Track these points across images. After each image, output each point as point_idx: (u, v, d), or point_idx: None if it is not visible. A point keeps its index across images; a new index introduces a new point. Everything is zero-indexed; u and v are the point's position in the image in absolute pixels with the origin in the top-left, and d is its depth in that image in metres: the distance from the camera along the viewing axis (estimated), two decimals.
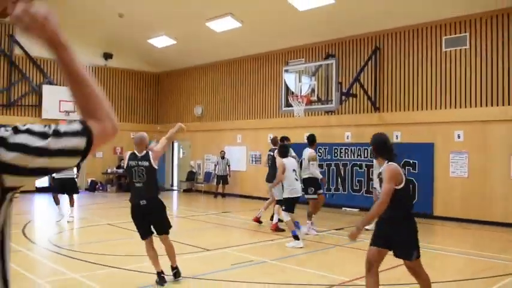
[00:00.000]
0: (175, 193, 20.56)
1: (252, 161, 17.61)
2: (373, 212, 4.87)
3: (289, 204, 9.20)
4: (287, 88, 14.18)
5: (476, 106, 12.32)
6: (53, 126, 1.22)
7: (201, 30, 16.38)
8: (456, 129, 12.52)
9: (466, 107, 12.48)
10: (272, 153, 11.23)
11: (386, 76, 14.06)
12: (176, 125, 6.87)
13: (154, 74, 22.32)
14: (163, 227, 6.53)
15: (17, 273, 6.78)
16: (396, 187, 4.79)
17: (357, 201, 14.27)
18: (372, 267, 5.24)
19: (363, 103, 14.41)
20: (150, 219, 6.44)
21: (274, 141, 11.72)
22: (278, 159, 9.72)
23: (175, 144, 21.99)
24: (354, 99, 14.33)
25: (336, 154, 14.72)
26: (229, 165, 17.89)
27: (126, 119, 21.23)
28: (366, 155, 14.08)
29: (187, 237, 9.90)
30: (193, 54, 19.17)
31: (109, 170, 20.06)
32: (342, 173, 14.66)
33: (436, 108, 13.01)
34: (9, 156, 1.14)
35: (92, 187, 19.67)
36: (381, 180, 5.04)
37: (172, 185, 22.29)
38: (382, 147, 5.11)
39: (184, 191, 20.36)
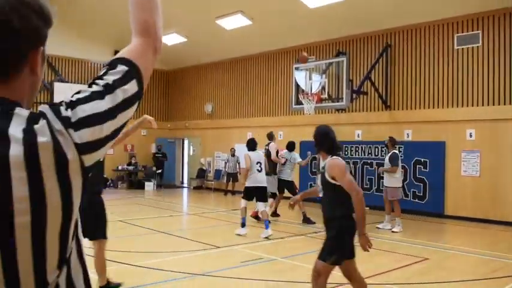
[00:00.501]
0: (185, 190, 20.61)
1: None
2: (360, 212, 4.53)
3: (247, 193, 9.93)
4: (297, 86, 14.14)
5: (488, 104, 12.22)
6: (100, 82, 1.11)
7: (211, 27, 16.39)
8: (468, 128, 12.42)
9: (478, 105, 12.38)
10: (267, 147, 12.14)
11: (398, 74, 13.98)
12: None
13: (165, 71, 22.38)
14: (96, 231, 5.57)
15: None
16: (339, 182, 4.44)
17: (367, 199, 14.01)
18: (319, 276, 4.70)
19: (374, 101, 14.34)
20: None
21: (270, 135, 12.55)
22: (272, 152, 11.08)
23: (186, 142, 22.04)
24: (365, 97, 14.27)
25: (346, 152, 14.67)
26: (239, 163, 17.89)
27: (137, 116, 21.19)
28: (376, 153, 14.02)
29: (198, 234, 9.93)
30: (203, 52, 19.19)
31: (120, 167, 20.15)
32: (352, 171, 14.60)
33: (447, 107, 12.92)
34: (82, 135, 1.03)
35: (104, 184, 19.73)
36: (323, 176, 4.63)
37: (182, 182, 22.36)
38: (323, 139, 4.73)
39: (195, 188, 20.41)
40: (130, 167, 20.31)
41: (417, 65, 13.58)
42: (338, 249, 4.64)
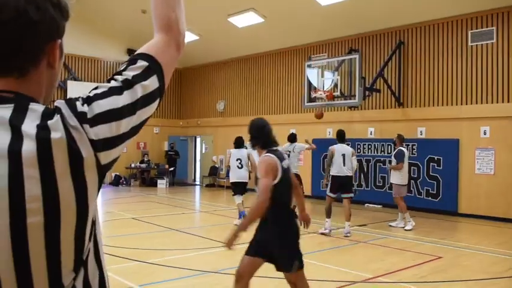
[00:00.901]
0: (197, 188, 20.67)
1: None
2: (251, 215, 4.12)
3: (235, 188, 10.72)
4: (310, 83, 14.11)
5: (503, 101, 12.09)
6: (119, 78, 1.08)
7: (223, 25, 16.40)
8: (482, 125, 12.31)
9: (492, 102, 12.26)
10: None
11: (411, 71, 13.88)
12: None
13: (177, 69, 22.42)
14: None
15: None
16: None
17: (380, 197, 14.16)
18: (242, 279, 4.41)
19: (387, 98, 14.26)
20: None
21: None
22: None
23: (198, 140, 22.09)
24: (378, 94, 14.19)
25: (358, 150, 14.61)
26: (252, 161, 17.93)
27: (156, 115, 21.31)
28: (389, 151, 13.94)
29: (209, 232, 9.95)
30: (215, 50, 19.20)
31: (132, 165, 20.25)
32: (365, 169, 14.55)
33: (461, 104, 12.81)
34: (98, 131, 1.00)
35: (116, 181, 19.88)
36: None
37: (194, 180, 22.42)
38: (259, 133, 4.41)
39: (207, 186, 20.45)
40: (143, 165, 20.40)
41: (431, 62, 13.47)
42: (294, 253, 4.35)
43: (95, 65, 19.96)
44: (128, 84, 1.07)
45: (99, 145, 1.01)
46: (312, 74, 14.10)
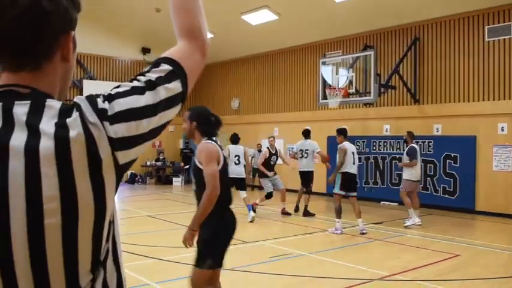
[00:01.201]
0: None
1: (289, 154, 17.52)
2: (204, 208, 3.85)
3: (233, 184, 10.60)
4: (324, 80, 14.06)
5: None
6: (142, 78, 1.07)
7: (237, 23, 16.40)
8: (500, 122, 12.15)
9: (510, 98, 12.10)
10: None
11: (427, 67, 13.76)
12: None
13: None
14: None
15: None
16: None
17: (395, 195, 14.00)
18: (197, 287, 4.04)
19: (402, 95, 14.15)
20: None
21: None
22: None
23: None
24: (393, 91, 14.09)
25: (374, 147, 14.53)
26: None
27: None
28: (405, 148, 13.84)
29: None
30: (229, 48, 19.21)
31: (148, 163, 20.37)
32: (381, 166, 14.46)
33: (478, 100, 12.66)
34: (118, 129, 0.99)
35: (132, 179, 20.02)
36: (193, 162, 4.11)
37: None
38: (203, 118, 4.22)
39: None
40: (159, 163, 20.50)
41: (447, 58, 13.34)
42: (213, 251, 4.02)
43: (110, 64, 20.08)
44: (151, 85, 1.06)
45: (118, 144, 0.99)
46: (327, 71, 14.05)
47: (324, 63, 14.15)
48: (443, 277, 6.39)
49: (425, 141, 13.22)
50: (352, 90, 13.69)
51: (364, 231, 9.40)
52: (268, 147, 12.24)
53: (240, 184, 11.15)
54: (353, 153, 9.76)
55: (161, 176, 20.69)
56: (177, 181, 19.95)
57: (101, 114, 0.98)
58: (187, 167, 20.69)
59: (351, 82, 13.74)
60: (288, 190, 15.43)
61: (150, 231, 9.70)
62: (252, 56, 19.46)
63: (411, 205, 10.39)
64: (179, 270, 6.67)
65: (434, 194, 13.09)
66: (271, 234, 9.31)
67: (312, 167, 11.96)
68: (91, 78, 19.17)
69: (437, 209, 12.67)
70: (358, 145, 14.61)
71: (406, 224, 10.23)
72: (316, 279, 6.28)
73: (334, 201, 9.82)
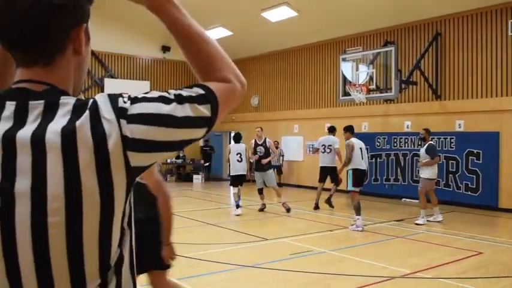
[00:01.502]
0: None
1: (309, 151, 17.52)
2: (168, 219, 3.81)
3: (233, 181, 11.75)
4: (344, 77, 13.99)
5: None
6: (172, 92, 1.06)
7: (256, 20, 16.39)
8: None
9: None
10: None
11: (448, 63, 13.59)
12: None
13: None
14: None
15: None
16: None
17: (416, 191, 13.91)
18: None
19: (424, 91, 14.00)
20: None
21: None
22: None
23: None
24: (414, 87, 13.95)
25: (395, 144, 14.42)
26: (282, 156, 18.04)
27: None
28: (422, 146, 13.72)
29: (246, 226, 10.00)
30: (249, 45, 19.22)
31: (168, 161, 20.51)
32: (402, 163, 14.34)
33: (501, 96, 12.47)
34: (135, 129, 0.96)
35: None
36: None
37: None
38: None
39: None
40: (179, 160, 20.63)
41: (469, 53, 13.16)
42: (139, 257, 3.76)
43: (131, 62, 20.24)
44: (179, 100, 1.04)
45: (132, 144, 0.97)
46: (347, 68, 13.97)
47: (344, 59, 14.07)
48: (466, 275, 6.33)
49: (447, 138, 13.07)
50: (373, 87, 13.59)
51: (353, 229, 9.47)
52: (255, 139, 12.42)
53: (239, 180, 11.69)
54: (361, 148, 9.89)
55: (181, 174, 20.83)
56: (197, 178, 20.05)
57: (120, 112, 0.97)
58: (207, 164, 20.80)
59: (371, 78, 13.64)
60: (308, 187, 15.41)
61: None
62: (272, 53, 19.44)
63: (426, 206, 10.27)
64: (201, 267, 6.72)
65: (456, 191, 12.94)
66: (291, 231, 9.30)
67: (334, 162, 11.99)
68: (112, 77, 19.36)
69: (460, 206, 12.53)
70: (378, 142, 14.53)
71: (418, 222, 10.14)
72: (337, 276, 6.27)
73: (351, 199, 9.82)
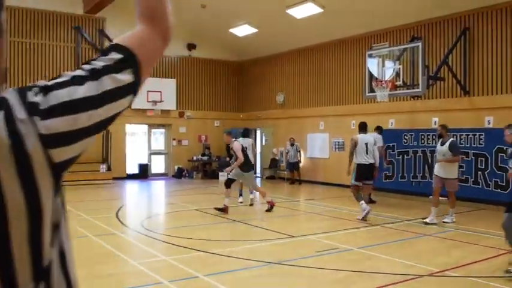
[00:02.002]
0: (258, 180, 20.81)
1: (335, 148, 17.43)
2: None
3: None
4: (370, 73, 13.86)
5: None
6: (86, 67, 0.95)
7: (281, 17, 16.37)
8: None
9: None
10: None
11: (477, 58, 13.35)
12: None
13: (237, 62, 22.61)
14: None
15: (113, 254, 7.19)
16: None
17: (444, 189, 13.73)
18: None
19: (452, 87, 13.79)
20: None
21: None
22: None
23: (258, 132, 22.19)
24: (442, 82, 13.75)
25: (422, 141, 14.23)
26: (299, 152, 18.12)
27: (211, 108, 21.77)
28: (437, 142, 13.51)
29: (273, 223, 10.02)
30: (274, 42, 19.21)
31: (195, 158, 20.67)
32: (429, 160, 14.14)
33: None
34: (50, 124, 0.88)
35: (179, 174, 20.37)
36: None
37: (255, 172, 22.51)
38: None
39: (267, 178, 20.55)
40: (205, 158, 20.76)
41: (498, 48, 12.90)
42: None
43: (157, 60, 20.38)
44: (94, 75, 0.94)
45: (51, 141, 0.89)
46: (373, 64, 13.84)
47: (370, 55, 13.94)
48: (496, 273, 6.23)
49: (475, 134, 12.84)
50: (400, 83, 13.44)
51: (362, 218, 9.91)
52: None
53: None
54: (366, 144, 10.48)
55: (207, 171, 20.95)
56: (223, 175, 20.12)
57: (31, 108, 0.88)
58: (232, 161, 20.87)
59: (397, 74, 13.49)
60: (333, 185, 15.35)
61: (198, 225, 9.85)
62: (297, 50, 19.38)
63: (438, 204, 10.06)
64: (227, 263, 6.77)
65: (485, 188, 12.71)
66: (317, 229, 9.28)
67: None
68: None
69: (489, 203, 12.31)
70: (405, 139, 14.36)
71: (444, 220, 9.95)
72: (364, 274, 6.24)
73: (352, 192, 10.56)
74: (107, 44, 18.89)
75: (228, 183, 11.60)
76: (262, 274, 6.33)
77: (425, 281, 6.00)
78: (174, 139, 20.79)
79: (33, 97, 0.89)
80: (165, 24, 1.10)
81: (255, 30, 18.21)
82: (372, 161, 10.58)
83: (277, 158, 20.34)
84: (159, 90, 19.37)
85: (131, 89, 0.99)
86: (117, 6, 16.73)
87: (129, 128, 20.05)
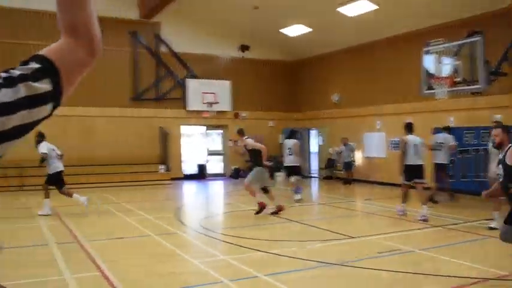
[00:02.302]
0: (314, 180, 20.74)
1: (392, 147, 17.12)
2: None
3: (285, 171, 13.48)
4: (426, 70, 13.54)
5: None
6: (3, 75, 0.98)
7: (333, 16, 16.26)
8: None
9: None
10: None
11: None
12: None
13: (290, 62, 22.60)
14: None
15: (174, 252, 7.37)
16: None
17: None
18: None
19: None
20: None
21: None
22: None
23: (314, 132, 22.06)
24: (504, 78, 13.24)
25: (483, 139, 13.77)
26: (353, 151, 17.87)
27: (265, 108, 21.85)
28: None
29: (331, 224, 9.98)
30: (327, 41, 19.08)
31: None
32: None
33: None
34: None
35: (236, 174, 20.59)
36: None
37: (309, 172, 22.45)
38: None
39: (324, 178, 20.42)
40: None
41: None
42: None
43: (210, 62, 20.66)
44: (10, 82, 0.96)
45: None
46: (429, 61, 13.52)
47: (427, 52, 13.61)
48: None
49: None
50: (459, 79, 13.05)
51: (423, 218, 9.78)
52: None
53: (293, 170, 13.16)
54: (415, 145, 10.54)
55: None
56: (279, 175, 20.19)
57: None
58: None
59: (456, 70, 13.10)
60: (390, 184, 15.08)
61: (255, 225, 9.93)
62: (352, 48, 19.17)
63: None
64: (287, 263, 6.80)
65: None
66: (378, 229, 9.16)
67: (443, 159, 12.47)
68: (193, 77, 19.91)
69: None
70: (466, 137, 13.95)
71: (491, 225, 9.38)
72: (426, 276, 6.12)
73: (401, 190, 10.80)
74: (163, 48, 19.40)
75: (265, 189, 11.22)
76: (321, 274, 6.32)
77: (491, 284, 5.82)
78: (230, 140, 21.03)
79: None
80: (88, 36, 1.10)
81: (309, 29, 18.17)
82: (420, 162, 10.61)
83: (333, 158, 20.19)
84: (214, 92, 19.66)
85: (50, 97, 1.01)
86: (172, 10, 17.10)
87: (186, 129, 20.43)
